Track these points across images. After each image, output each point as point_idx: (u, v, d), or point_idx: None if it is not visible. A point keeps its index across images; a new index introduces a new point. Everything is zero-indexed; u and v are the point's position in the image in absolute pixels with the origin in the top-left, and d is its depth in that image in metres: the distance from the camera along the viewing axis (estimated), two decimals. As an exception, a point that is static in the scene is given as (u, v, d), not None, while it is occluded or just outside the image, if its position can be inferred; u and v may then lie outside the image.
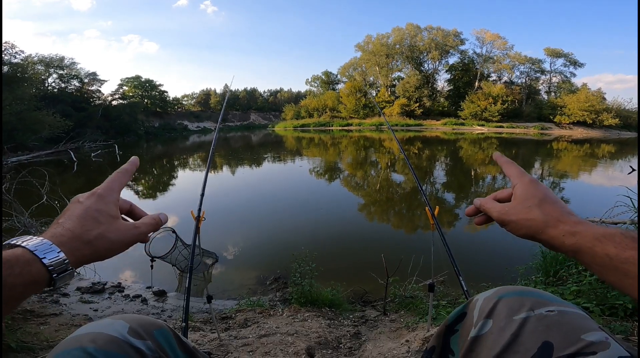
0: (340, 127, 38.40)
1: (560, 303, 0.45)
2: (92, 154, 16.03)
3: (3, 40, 17.93)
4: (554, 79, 39.54)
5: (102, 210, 0.43)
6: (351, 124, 38.99)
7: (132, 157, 0.53)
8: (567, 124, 32.40)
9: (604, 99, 33.18)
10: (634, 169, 9.97)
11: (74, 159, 14.11)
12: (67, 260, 0.37)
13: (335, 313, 2.51)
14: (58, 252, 0.36)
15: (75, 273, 3.51)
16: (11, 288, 0.32)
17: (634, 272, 0.34)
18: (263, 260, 4.12)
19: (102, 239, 0.41)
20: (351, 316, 2.50)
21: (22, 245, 0.36)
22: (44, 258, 0.35)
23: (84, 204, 0.42)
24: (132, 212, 0.50)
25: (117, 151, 17.25)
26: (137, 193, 8.52)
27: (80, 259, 0.39)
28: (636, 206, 2.65)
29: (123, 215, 0.47)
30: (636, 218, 2.68)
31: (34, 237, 0.38)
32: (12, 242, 0.37)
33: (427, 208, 1.35)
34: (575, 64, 37.75)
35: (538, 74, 39.20)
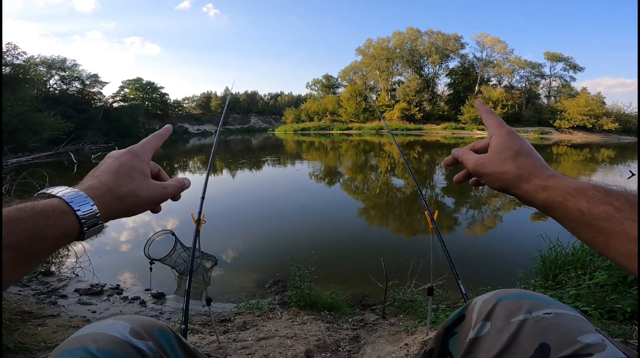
0: (341, 131, 38.51)
1: (557, 305, 0.45)
2: (93, 156, 16.02)
3: (6, 42, 18.05)
4: (553, 84, 39.83)
5: (136, 167, 0.44)
6: (351, 128, 39.10)
7: (167, 124, 0.55)
8: (567, 128, 32.52)
9: (604, 103, 33.39)
10: (633, 174, 9.99)
11: (74, 160, 14.12)
12: (99, 214, 0.37)
13: (334, 317, 2.50)
14: (92, 205, 0.36)
15: (79, 275, 3.50)
16: (44, 239, 0.32)
17: (607, 228, 0.33)
18: (262, 263, 4.11)
19: (133, 195, 0.41)
20: (350, 319, 2.49)
21: (59, 195, 0.35)
22: (78, 210, 0.35)
23: (119, 160, 0.43)
24: (159, 176, 0.51)
25: (117, 153, 17.27)
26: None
27: (110, 213, 0.39)
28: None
29: None
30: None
31: (68, 188, 0.37)
32: (48, 191, 0.36)
33: (426, 212, 1.35)
34: (575, 68, 38.03)
35: (538, 79, 39.50)
